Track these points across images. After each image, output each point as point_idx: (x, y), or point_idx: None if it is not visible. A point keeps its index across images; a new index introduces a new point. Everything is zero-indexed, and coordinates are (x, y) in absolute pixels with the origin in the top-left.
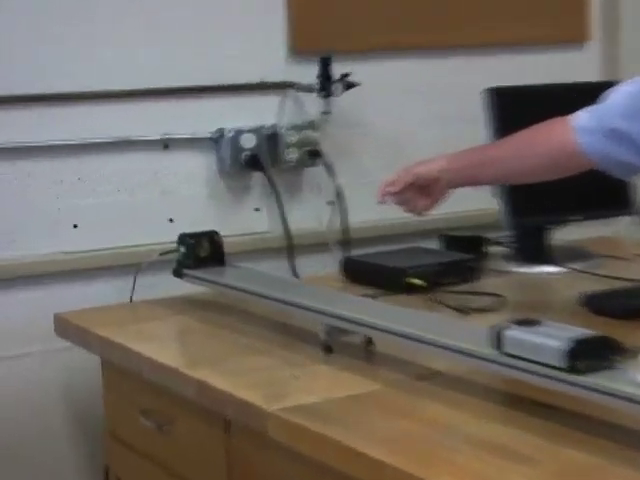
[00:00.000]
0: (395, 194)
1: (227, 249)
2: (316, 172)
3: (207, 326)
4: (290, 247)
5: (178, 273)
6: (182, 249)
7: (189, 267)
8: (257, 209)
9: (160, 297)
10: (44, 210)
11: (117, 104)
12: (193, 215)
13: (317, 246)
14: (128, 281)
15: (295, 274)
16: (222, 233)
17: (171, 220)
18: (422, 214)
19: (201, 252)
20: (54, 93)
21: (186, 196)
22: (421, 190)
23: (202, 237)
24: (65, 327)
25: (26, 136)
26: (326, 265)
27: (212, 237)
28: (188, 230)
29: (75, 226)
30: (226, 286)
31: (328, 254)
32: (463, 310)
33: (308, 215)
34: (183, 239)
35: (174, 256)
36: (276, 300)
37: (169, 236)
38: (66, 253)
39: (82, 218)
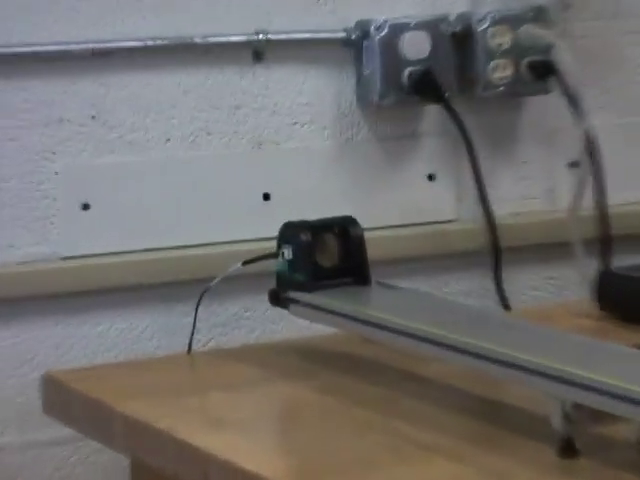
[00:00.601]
0: None
1: (373, 253)
2: (548, 105)
3: (335, 401)
4: (496, 250)
5: (278, 298)
6: (287, 253)
7: (300, 287)
8: (432, 176)
9: (244, 343)
10: (26, 176)
11: None
12: (308, 188)
13: (548, 248)
14: (184, 313)
15: (503, 301)
16: (364, 223)
17: (267, 197)
18: None
19: (324, 259)
20: None
21: (296, 151)
22: None
23: (326, 230)
24: (63, 399)
25: None
26: (565, 284)
27: (345, 230)
28: (298, 216)
29: (85, 207)
30: (373, 325)
31: (569, 263)
32: None
33: (532, 188)
34: (290, 234)
35: (271, 266)
36: (469, 353)
37: (262, 227)
38: (66, 259)
39: (98, 192)
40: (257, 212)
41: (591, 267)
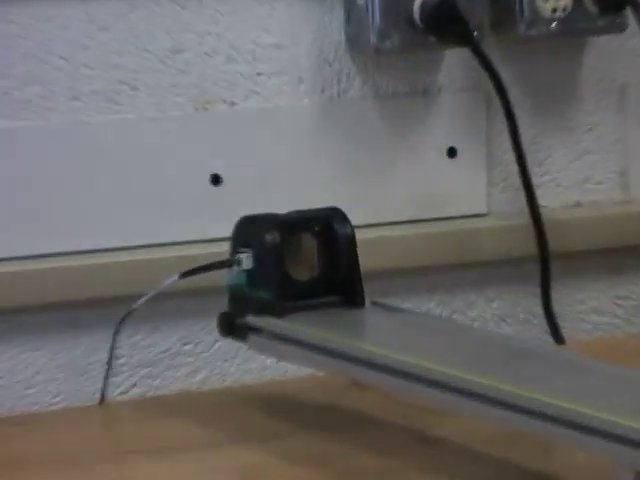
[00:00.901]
0: None
1: (369, 261)
2: (620, 49)
3: (311, 473)
4: (544, 256)
5: (231, 325)
6: (245, 260)
7: (264, 310)
8: (453, 151)
9: (182, 390)
10: None
11: None
12: (276, 168)
13: (619, 254)
14: (96, 346)
15: (554, 330)
16: (356, 219)
17: (216, 180)
18: None
19: (299, 269)
20: None
21: (260, 114)
22: None
23: (302, 228)
24: None
25: None
26: None
27: (329, 228)
28: (261, 208)
29: None
30: (367, 364)
31: None
32: None
33: (596, 169)
34: (249, 233)
35: (222, 279)
36: (505, 405)
37: (209, 223)
38: None
39: None
40: (202, 201)
41: None
